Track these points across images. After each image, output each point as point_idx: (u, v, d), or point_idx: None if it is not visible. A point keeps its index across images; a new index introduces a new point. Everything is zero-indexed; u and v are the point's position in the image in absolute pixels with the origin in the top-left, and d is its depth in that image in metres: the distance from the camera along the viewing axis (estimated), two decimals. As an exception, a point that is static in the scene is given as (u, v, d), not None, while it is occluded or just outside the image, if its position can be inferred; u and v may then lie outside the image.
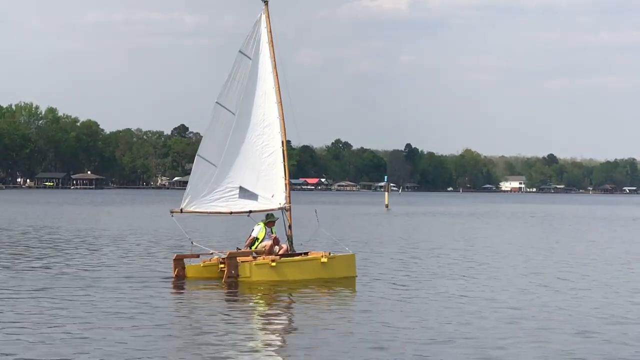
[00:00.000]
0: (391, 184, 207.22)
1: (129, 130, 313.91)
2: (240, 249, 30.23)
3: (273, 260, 29.19)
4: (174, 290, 27.61)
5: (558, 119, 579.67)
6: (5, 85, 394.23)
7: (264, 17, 31.27)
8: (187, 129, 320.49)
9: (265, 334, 20.63)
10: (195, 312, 23.42)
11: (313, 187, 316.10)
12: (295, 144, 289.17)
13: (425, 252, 42.91)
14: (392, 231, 63.75)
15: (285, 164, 31.13)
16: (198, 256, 30.51)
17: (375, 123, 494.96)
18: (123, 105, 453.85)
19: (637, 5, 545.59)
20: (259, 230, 30.07)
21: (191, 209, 30.72)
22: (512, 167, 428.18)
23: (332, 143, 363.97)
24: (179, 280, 29.10)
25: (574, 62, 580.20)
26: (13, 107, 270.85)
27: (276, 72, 31.17)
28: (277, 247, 30.08)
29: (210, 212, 31.01)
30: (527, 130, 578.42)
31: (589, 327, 21.75)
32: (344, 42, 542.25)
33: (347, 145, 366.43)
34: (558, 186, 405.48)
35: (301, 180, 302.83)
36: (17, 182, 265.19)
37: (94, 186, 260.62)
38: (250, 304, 25.62)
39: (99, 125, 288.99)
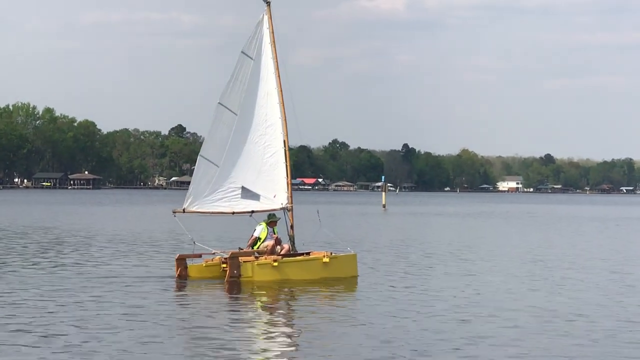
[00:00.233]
0: (388, 184, 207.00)
1: (126, 130, 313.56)
2: (242, 249, 30.31)
3: (275, 260, 29.28)
4: (176, 290, 27.71)
5: (555, 119, 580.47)
6: (4, 85, 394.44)
7: (266, 17, 31.35)
8: (184, 129, 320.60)
9: (268, 333, 20.71)
10: (198, 312, 23.48)
11: (310, 187, 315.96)
12: (293, 144, 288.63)
13: (425, 252, 43.00)
14: (391, 231, 63.85)
15: (288, 164, 31.23)
16: (200, 256, 30.60)
17: (372, 123, 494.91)
18: (120, 105, 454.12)
19: (636, 5, 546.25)
20: (261, 230, 30.16)
21: (194, 209, 30.81)
22: (510, 167, 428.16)
23: (330, 143, 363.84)
24: (181, 280, 29.21)
25: (572, 62, 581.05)
26: (10, 107, 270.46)
27: (278, 73, 31.26)
28: (279, 247, 30.17)
29: (213, 212, 31.11)
30: (524, 130, 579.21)
31: (589, 327, 21.88)
32: (342, 42, 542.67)
33: (344, 145, 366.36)
34: (555, 186, 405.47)
35: (298, 180, 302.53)
36: (14, 182, 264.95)
37: (91, 186, 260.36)
38: (253, 303, 25.70)
39: (96, 125, 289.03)
